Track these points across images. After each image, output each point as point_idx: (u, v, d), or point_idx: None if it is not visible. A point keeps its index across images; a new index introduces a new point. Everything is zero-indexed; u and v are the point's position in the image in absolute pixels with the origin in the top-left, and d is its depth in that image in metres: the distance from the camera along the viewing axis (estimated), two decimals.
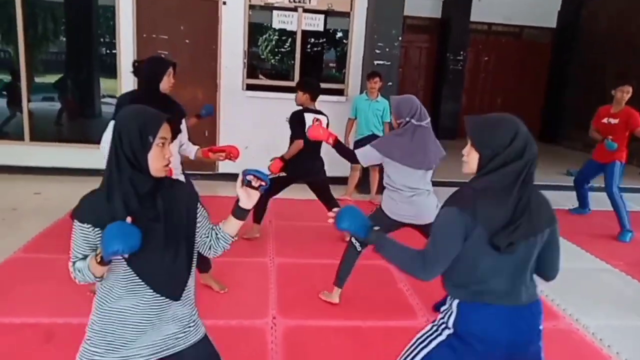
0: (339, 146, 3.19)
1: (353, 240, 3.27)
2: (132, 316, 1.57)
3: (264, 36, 7.25)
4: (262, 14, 6.92)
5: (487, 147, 1.65)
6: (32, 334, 2.85)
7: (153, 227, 1.53)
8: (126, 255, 1.49)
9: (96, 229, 1.51)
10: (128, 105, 1.68)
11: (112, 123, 2.93)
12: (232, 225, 1.72)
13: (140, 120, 1.54)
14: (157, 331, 1.62)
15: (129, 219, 1.47)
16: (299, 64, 6.79)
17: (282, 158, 4.10)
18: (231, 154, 3.24)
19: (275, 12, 6.60)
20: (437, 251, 1.67)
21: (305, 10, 6.63)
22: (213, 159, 3.27)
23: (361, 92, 6.48)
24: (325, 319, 3.21)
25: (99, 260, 1.46)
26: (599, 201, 6.14)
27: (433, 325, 1.81)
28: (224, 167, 6.72)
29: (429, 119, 3.18)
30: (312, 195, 4.90)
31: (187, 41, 6.47)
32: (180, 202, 1.64)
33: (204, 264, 3.39)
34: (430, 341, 1.76)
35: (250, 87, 6.70)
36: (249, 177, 1.66)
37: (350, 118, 6.04)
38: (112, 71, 6.61)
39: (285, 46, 6.99)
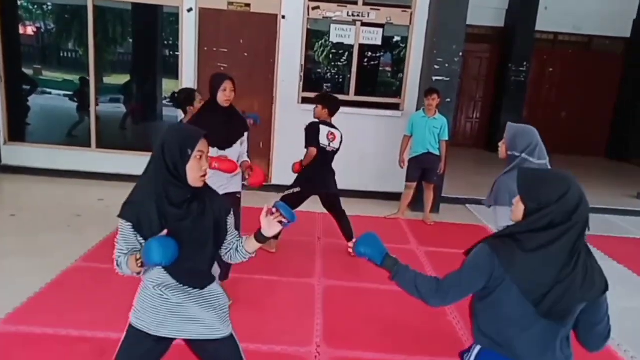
0: None
1: None
2: (165, 298, 1.82)
3: (321, 49, 7.28)
4: (320, 28, 6.94)
5: (534, 200, 1.61)
6: (88, 348, 2.97)
7: (181, 226, 1.73)
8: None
9: (134, 230, 1.75)
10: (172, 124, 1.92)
11: None
12: (252, 245, 1.90)
13: (181, 135, 1.75)
14: (185, 314, 1.84)
15: (165, 232, 1.70)
16: (355, 78, 6.76)
17: (300, 162, 4.43)
18: (253, 182, 3.40)
19: (333, 26, 6.60)
20: (455, 281, 1.70)
21: (364, 24, 6.59)
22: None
23: (418, 108, 6.37)
24: (372, 351, 3.16)
25: (139, 264, 1.73)
26: None
27: None
28: (278, 178, 6.80)
29: (547, 160, 2.63)
30: (362, 212, 4.86)
31: (245, 54, 6.59)
32: (212, 211, 1.82)
33: (222, 273, 3.43)
34: None
35: (306, 101, 6.73)
36: (273, 209, 1.82)
37: (406, 135, 5.93)
38: (173, 73, 6.83)
39: (342, 60, 6.97)
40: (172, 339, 1.90)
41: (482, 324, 1.71)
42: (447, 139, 5.78)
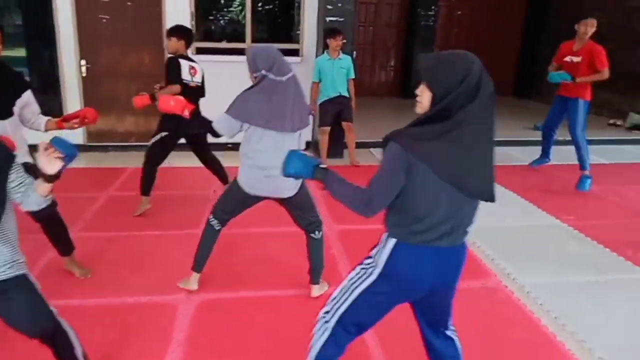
0: (198, 119, 2.95)
1: (211, 218, 2.96)
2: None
3: None
4: None
5: (439, 85, 1.62)
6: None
7: None
8: None
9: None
10: None
11: None
12: (42, 187, 1.79)
13: None
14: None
15: None
16: (250, 24, 6.49)
17: (152, 96, 3.84)
18: (86, 117, 2.92)
19: None
20: (379, 185, 1.68)
21: None
22: (68, 128, 2.94)
23: (317, 51, 6.22)
24: (245, 290, 3.10)
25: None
26: (560, 155, 6.03)
27: (362, 268, 1.83)
28: None
29: (292, 73, 2.73)
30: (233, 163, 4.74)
31: (129, 3, 6.12)
32: None
33: (64, 247, 3.13)
34: (361, 282, 1.81)
35: (201, 51, 6.41)
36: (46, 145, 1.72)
37: (314, 82, 5.72)
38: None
39: (236, 6, 6.66)
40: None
41: (398, 215, 1.73)
42: (354, 77, 5.72)
